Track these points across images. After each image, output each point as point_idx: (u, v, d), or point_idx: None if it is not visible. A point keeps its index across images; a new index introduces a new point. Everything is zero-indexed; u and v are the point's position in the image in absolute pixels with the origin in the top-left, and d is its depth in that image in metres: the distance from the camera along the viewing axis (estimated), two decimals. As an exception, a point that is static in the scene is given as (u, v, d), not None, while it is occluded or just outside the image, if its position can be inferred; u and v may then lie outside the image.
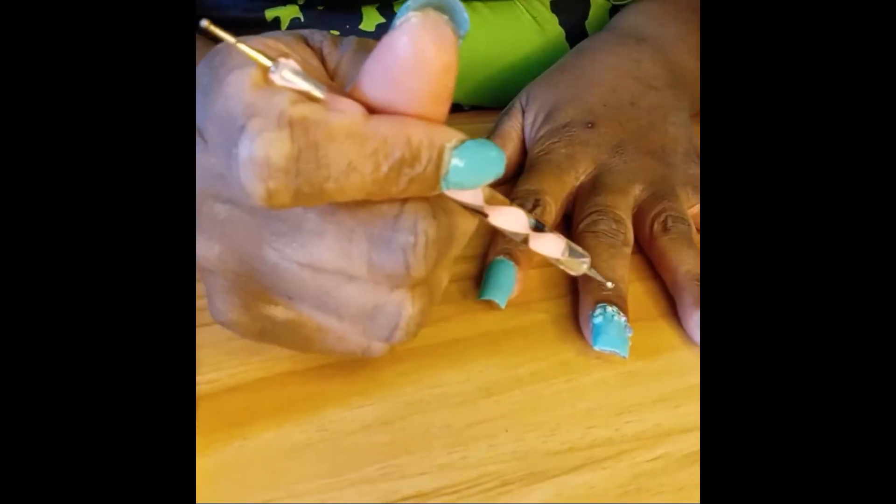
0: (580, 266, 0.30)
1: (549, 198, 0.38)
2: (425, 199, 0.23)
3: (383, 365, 0.31)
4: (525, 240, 0.28)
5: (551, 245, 0.29)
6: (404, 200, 0.22)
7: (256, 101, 0.20)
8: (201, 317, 0.32)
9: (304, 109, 0.20)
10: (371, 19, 0.49)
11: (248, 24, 0.48)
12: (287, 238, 0.23)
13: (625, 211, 0.38)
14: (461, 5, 0.21)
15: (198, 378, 0.30)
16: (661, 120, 0.43)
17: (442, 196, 0.24)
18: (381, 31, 0.49)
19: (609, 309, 0.32)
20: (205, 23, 0.20)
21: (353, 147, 0.20)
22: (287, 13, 0.48)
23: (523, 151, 0.44)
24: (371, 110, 0.22)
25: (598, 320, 0.32)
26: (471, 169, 0.22)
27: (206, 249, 0.25)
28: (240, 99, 0.21)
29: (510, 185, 0.40)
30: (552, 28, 0.53)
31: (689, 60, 0.48)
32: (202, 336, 0.32)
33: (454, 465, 0.28)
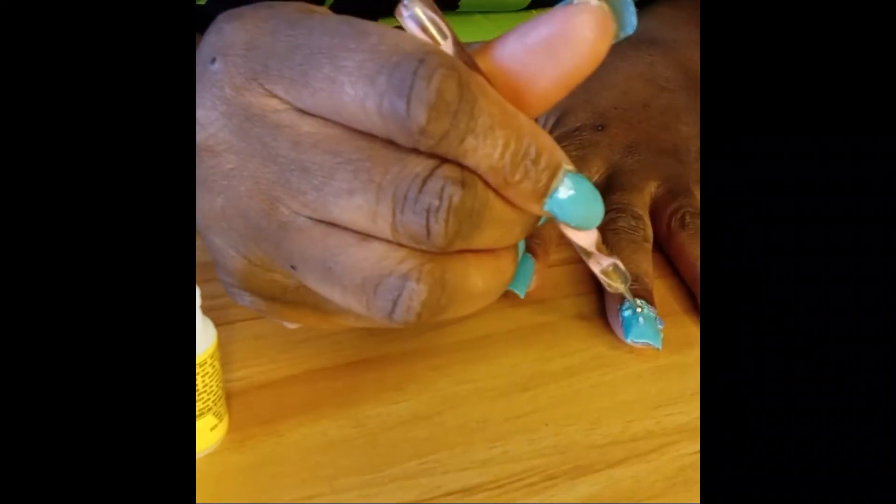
0: (621, 286, 0.30)
1: None
2: (458, 166, 0.22)
3: (415, 360, 0.31)
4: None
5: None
6: (439, 164, 0.22)
7: (426, 44, 0.22)
8: (226, 314, 0.31)
9: (464, 66, 0.21)
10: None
11: None
12: (308, 196, 0.22)
13: (642, 208, 0.38)
14: (633, 10, 0.23)
15: (227, 375, 0.29)
16: (673, 120, 0.43)
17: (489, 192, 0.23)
18: None
19: (637, 301, 0.32)
20: None
21: (497, 112, 0.21)
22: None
23: None
24: (492, 75, 0.23)
25: (627, 313, 0.32)
26: (577, 202, 0.23)
27: (207, 203, 0.24)
28: (407, 39, 0.22)
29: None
30: None
31: None
32: (229, 333, 0.31)
33: (496, 460, 0.27)
